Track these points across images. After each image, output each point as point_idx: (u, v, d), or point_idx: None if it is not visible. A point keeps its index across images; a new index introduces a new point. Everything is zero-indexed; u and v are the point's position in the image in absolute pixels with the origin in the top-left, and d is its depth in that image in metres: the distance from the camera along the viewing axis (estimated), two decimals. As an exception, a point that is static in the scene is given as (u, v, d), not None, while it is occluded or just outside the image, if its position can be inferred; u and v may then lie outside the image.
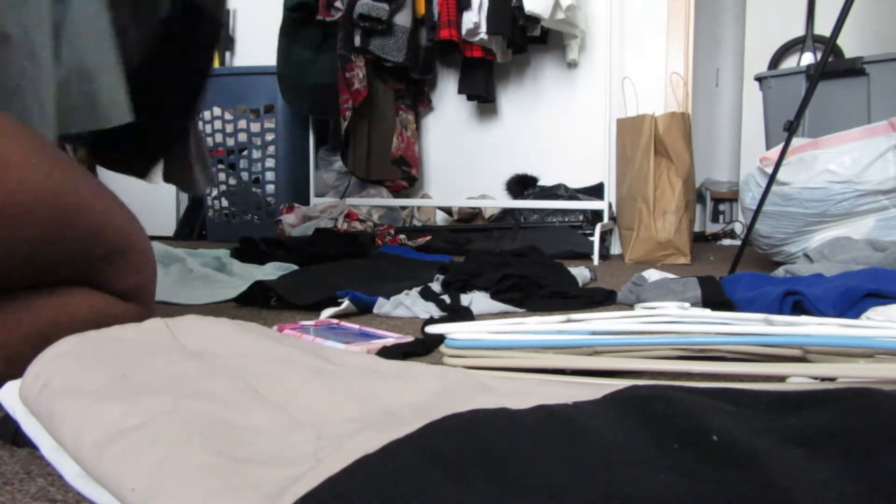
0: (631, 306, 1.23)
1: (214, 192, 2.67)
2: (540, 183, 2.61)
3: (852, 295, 0.90)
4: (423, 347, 0.83)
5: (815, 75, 1.52)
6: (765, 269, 1.68)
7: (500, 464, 0.33)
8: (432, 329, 0.76)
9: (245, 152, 2.59)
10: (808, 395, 0.43)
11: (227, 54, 3.01)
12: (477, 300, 1.16)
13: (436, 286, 1.24)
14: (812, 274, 1.15)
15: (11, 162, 0.60)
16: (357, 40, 2.29)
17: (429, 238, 2.33)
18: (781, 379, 0.62)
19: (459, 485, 0.31)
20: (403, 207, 2.75)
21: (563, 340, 0.70)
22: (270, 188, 2.58)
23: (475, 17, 2.28)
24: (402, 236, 2.29)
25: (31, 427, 0.46)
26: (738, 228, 3.02)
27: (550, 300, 1.23)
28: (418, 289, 1.21)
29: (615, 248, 2.45)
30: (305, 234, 2.23)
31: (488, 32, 2.27)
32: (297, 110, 2.49)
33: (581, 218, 2.40)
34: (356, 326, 0.96)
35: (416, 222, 2.78)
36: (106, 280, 0.70)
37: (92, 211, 0.67)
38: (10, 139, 0.62)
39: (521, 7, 2.19)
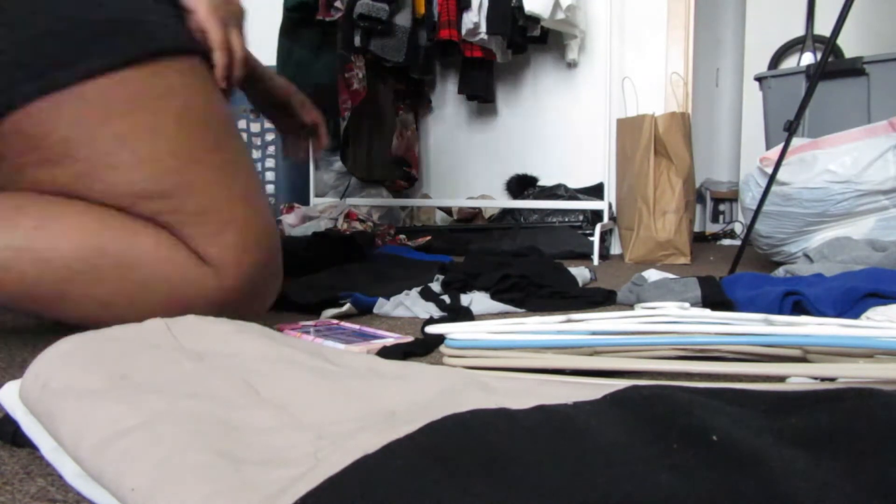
0: (631, 306, 1.23)
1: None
2: (540, 183, 2.61)
3: (852, 295, 0.90)
4: (423, 347, 0.83)
5: (815, 75, 1.52)
6: (765, 269, 1.68)
7: (499, 464, 0.33)
8: (433, 329, 0.76)
9: (245, 152, 2.59)
10: (808, 395, 0.43)
11: (227, 54, 3.01)
12: (477, 300, 1.16)
13: (436, 286, 1.24)
14: (812, 274, 1.15)
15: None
16: (357, 40, 2.29)
17: (429, 238, 2.33)
18: (781, 379, 0.62)
19: (459, 485, 0.31)
20: (403, 207, 2.75)
21: (563, 340, 0.70)
22: (270, 188, 2.58)
23: (475, 18, 2.28)
24: (402, 236, 2.29)
25: (31, 427, 0.46)
26: (738, 228, 3.02)
27: (550, 300, 1.22)
28: (418, 289, 1.21)
29: (615, 248, 2.45)
30: (305, 235, 2.23)
31: (488, 32, 2.27)
32: (297, 110, 2.49)
33: (581, 218, 2.40)
34: (356, 326, 0.96)
35: (416, 222, 2.78)
36: (191, 235, 0.78)
37: (198, 177, 0.78)
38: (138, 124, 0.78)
39: (520, 7, 2.19)
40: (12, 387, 0.49)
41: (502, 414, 0.40)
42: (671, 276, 1.27)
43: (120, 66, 0.75)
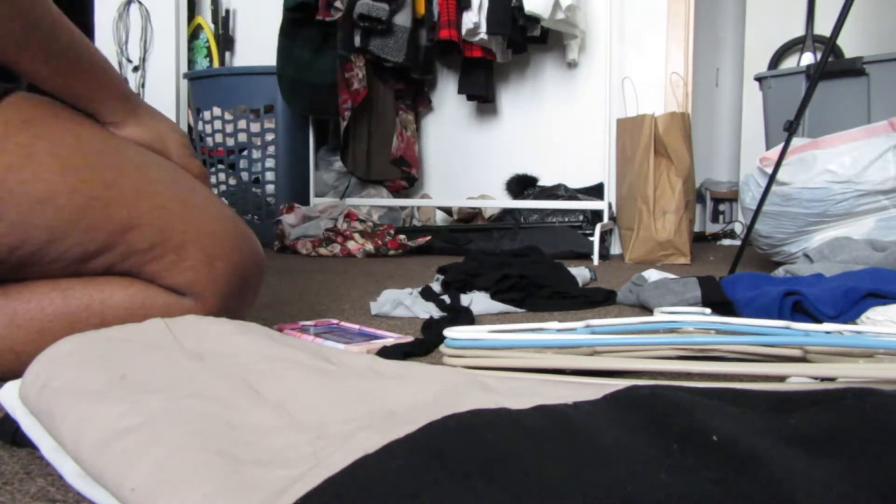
0: (631, 306, 1.23)
1: (214, 193, 2.68)
2: (540, 183, 2.61)
3: (852, 295, 0.90)
4: (423, 347, 0.83)
5: (815, 75, 1.52)
6: (765, 269, 1.68)
7: (499, 464, 0.33)
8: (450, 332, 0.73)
9: (245, 152, 2.59)
10: (808, 395, 0.43)
11: (227, 54, 3.01)
12: (477, 300, 1.16)
13: (436, 286, 1.24)
14: (812, 274, 1.15)
15: (34, 156, 0.66)
16: (357, 40, 2.29)
17: (429, 238, 2.33)
18: (781, 379, 0.62)
19: (459, 485, 0.31)
20: (403, 207, 2.75)
21: (563, 340, 0.70)
22: (270, 188, 2.58)
23: (475, 17, 2.28)
24: (402, 236, 2.29)
25: (31, 427, 0.46)
26: (738, 228, 3.02)
27: (550, 300, 1.22)
28: (419, 289, 1.21)
29: (615, 248, 2.45)
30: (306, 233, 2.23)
31: (488, 32, 2.27)
32: (297, 110, 2.49)
33: (581, 218, 2.40)
34: (356, 326, 0.96)
35: (416, 222, 2.78)
36: (155, 273, 0.71)
37: (127, 205, 0.70)
38: (42, 137, 0.67)
39: (520, 7, 2.19)
40: (12, 387, 0.49)
41: (502, 414, 0.40)
42: (671, 276, 1.27)
43: None
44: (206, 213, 0.75)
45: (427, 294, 1.17)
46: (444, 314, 1.08)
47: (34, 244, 0.66)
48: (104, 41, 2.80)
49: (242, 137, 2.57)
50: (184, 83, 2.80)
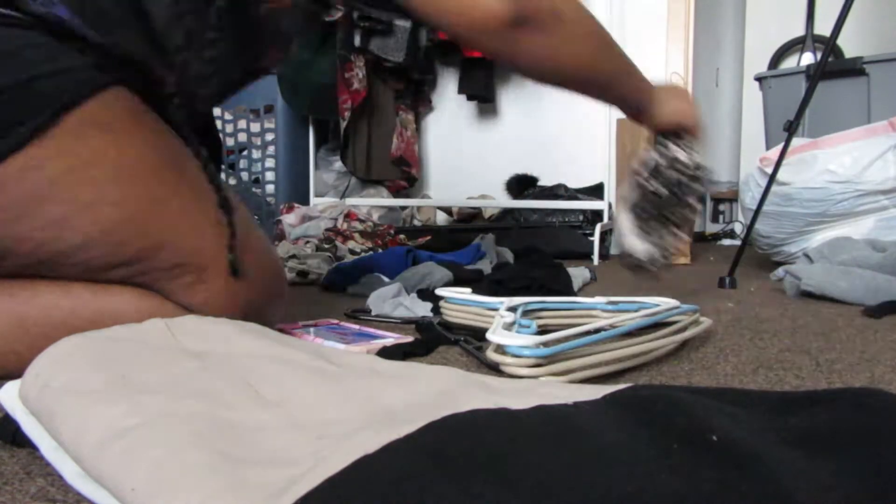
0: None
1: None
2: (540, 183, 2.61)
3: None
4: (424, 347, 0.83)
5: (815, 75, 1.52)
6: (765, 269, 1.68)
7: (499, 464, 0.33)
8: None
9: (245, 152, 2.59)
10: (808, 395, 0.43)
11: (227, 54, 3.01)
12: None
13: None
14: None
15: (99, 163, 0.66)
16: (357, 40, 2.29)
17: (429, 238, 2.33)
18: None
19: (459, 485, 0.31)
20: (403, 207, 2.75)
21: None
22: (270, 188, 2.58)
23: (475, 17, 2.28)
24: (401, 236, 2.29)
25: (31, 427, 0.46)
26: (738, 228, 3.02)
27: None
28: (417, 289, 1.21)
29: (615, 249, 2.45)
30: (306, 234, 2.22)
31: (488, 32, 2.27)
32: (297, 110, 2.49)
33: (581, 218, 2.40)
34: (356, 326, 0.96)
35: (416, 222, 2.78)
36: (171, 290, 0.71)
37: (166, 224, 0.70)
38: (114, 144, 0.67)
39: (521, 7, 2.19)
40: (12, 387, 0.49)
41: (502, 414, 0.40)
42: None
43: (27, 141, 0.62)
44: (243, 242, 0.75)
45: (425, 294, 1.17)
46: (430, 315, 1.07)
47: (63, 245, 0.66)
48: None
49: (242, 137, 2.57)
50: (184, 83, 2.80)
